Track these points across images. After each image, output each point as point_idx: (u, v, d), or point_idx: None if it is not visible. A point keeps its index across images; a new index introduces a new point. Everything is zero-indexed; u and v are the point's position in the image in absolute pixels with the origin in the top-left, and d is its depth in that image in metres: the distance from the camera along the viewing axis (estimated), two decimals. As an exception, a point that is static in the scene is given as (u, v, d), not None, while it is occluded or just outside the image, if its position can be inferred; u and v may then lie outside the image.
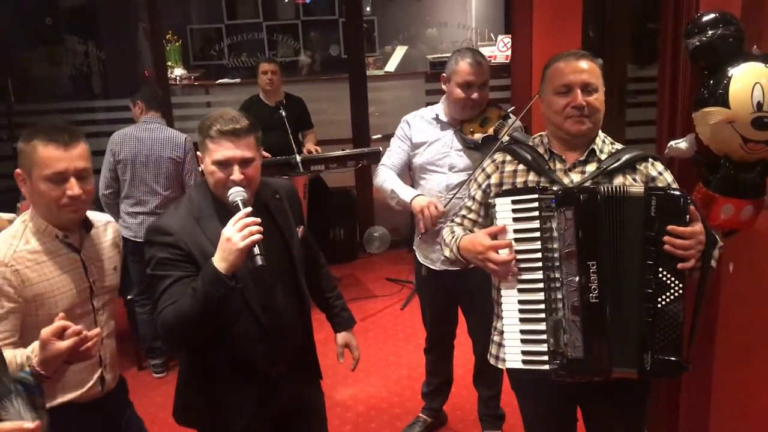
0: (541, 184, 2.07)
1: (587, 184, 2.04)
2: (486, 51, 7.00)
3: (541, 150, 2.14)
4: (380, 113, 6.39)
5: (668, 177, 2.10)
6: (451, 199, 2.86)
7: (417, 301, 3.44)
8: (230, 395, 2.13)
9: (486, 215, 2.20)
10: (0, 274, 1.88)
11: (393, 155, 3.09)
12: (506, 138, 2.77)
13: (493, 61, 6.76)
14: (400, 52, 7.20)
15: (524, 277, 2.01)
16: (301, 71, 7.75)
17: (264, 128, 4.94)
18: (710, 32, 2.30)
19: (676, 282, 1.92)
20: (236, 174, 1.99)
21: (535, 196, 1.98)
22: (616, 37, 5.98)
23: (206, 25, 8.11)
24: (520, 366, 2.03)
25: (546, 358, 1.99)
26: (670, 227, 1.89)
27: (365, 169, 5.45)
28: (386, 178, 3.03)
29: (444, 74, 2.96)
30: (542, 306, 1.99)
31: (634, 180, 2.06)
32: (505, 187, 2.13)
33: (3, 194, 4.88)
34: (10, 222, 4.05)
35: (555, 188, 2.01)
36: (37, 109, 6.40)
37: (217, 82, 7.12)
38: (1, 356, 1.57)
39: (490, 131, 2.88)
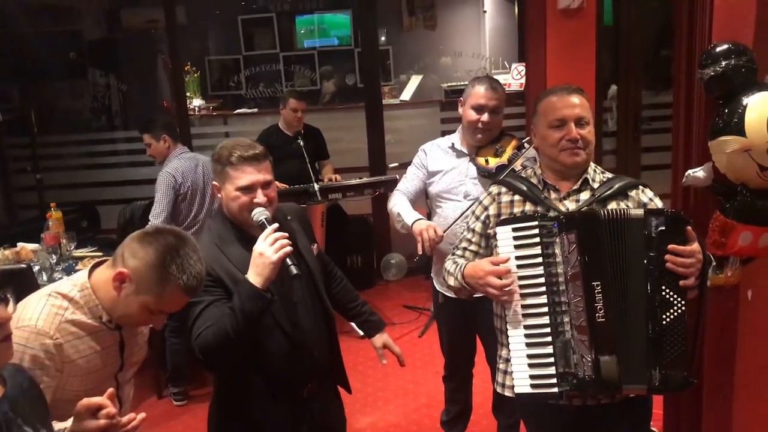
0: (539, 213, 2.14)
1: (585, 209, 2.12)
2: (500, 79, 7.06)
3: (534, 181, 2.23)
4: (396, 141, 6.46)
5: (659, 203, 2.18)
6: (451, 225, 2.89)
7: (435, 329, 3.45)
8: (265, 415, 2.18)
9: (486, 246, 2.27)
10: (43, 347, 1.74)
11: (408, 182, 3.13)
12: (519, 167, 2.80)
13: (507, 89, 6.82)
14: (415, 81, 7.28)
15: (529, 302, 2.07)
16: (323, 99, 7.83)
17: (283, 157, 5.04)
18: (724, 63, 2.34)
19: (679, 299, 1.99)
20: (260, 197, 2.10)
21: (536, 223, 2.06)
22: (630, 63, 6.04)
23: (224, 56, 8.23)
24: (529, 390, 2.06)
25: (555, 380, 2.03)
26: (671, 246, 1.96)
27: (382, 197, 5.49)
28: (396, 202, 3.07)
29: (461, 99, 3.02)
30: (548, 330, 2.05)
31: (627, 206, 2.14)
32: (503, 217, 2.20)
33: (27, 224, 4.97)
34: (34, 252, 4.15)
35: (554, 215, 2.09)
36: (59, 141, 6.53)
37: (234, 112, 7.23)
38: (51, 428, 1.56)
39: (505, 160, 2.91)
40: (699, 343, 2.10)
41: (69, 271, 4.06)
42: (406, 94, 7.16)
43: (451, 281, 2.27)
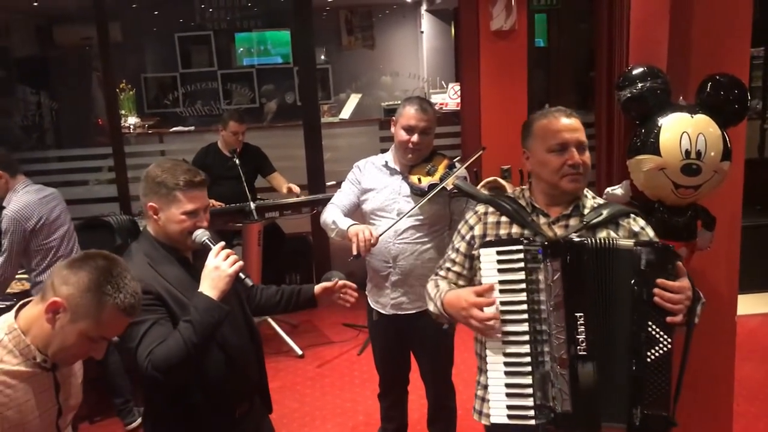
0: (525, 237, 2.06)
1: (572, 236, 2.04)
2: (437, 98, 7.20)
3: (522, 203, 2.15)
4: (335, 160, 6.48)
5: (650, 232, 2.10)
6: (387, 229, 2.92)
7: (372, 346, 3.47)
8: None
9: (470, 267, 2.19)
10: None
11: (342, 196, 3.15)
12: (450, 186, 2.86)
13: (444, 108, 6.94)
14: (354, 99, 7.35)
15: (509, 329, 1.99)
16: (266, 117, 7.81)
17: (220, 177, 4.97)
18: (640, 85, 2.45)
19: (665, 336, 1.91)
20: (204, 220, 2.15)
21: (521, 247, 1.98)
22: (562, 83, 6.22)
23: (161, 73, 8.14)
24: (506, 421, 1.99)
25: (532, 413, 1.96)
26: (659, 281, 1.90)
27: (320, 215, 5.49)
28: (330, 212, 3.09)
29: (393, 118, 3.05)
30: (528, 359, 1.97)
31: (617, 234, 2.06)
32: (488, 238, 2.13)
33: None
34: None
35: (540, 240, 2.01)
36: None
37: (171, 130, 7.14)
38: None
39: (437, 179, 2.95)
40: (682, 382, 2.02)
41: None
42: (345, 113, 7.22)
43: (431, 307, 2.21)
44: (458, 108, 6.69)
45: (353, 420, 4.09)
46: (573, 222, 2.09)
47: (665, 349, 1.91)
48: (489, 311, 1.98)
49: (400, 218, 2.92)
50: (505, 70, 5.65)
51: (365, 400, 4.29)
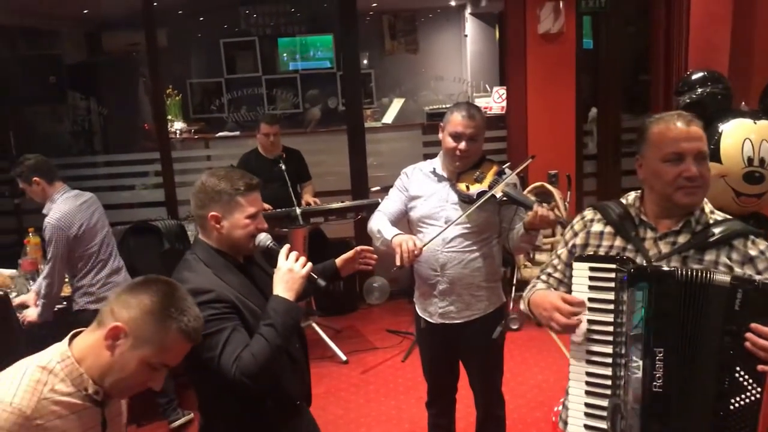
0: (626, 254, 1.96)
1: (674, 258, 1.90)
2: (481, 102, 7.14)
3: (632, 212, 2.01)
4: (378, 165, 6.47)
5: None
6: (432, 239, 2.88)
7: (418, 353, 3.43)
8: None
9: (572, 275, 2.05)
10: (20, 427, 1.55)
11: (390, 203, 3.12)
12: (499, 194, 2.81)
13: (488, 112, 6.88)
14: (397, 104, 7.32)
15: (594, 348, 1.92)
16: (309, 124, 7.83)
17: (263, 181, 5.00)
18: (699, 90, 2.38)
19: (754, 384, 1.75)
20: (263, 223, 2.19)
21: (614, 266, 1.88)
22: (610, 87, 6.10)
23: (206, 79, 8.24)
24: None
25: None
26: (753, 325, 1.73)
27: (364, 221, 5.46)
28: (376, 221, 3.06)
29: (441, 123, 3.01)
30: (608, 382, 1.90)
31: (729, 258, 1.88)
32: (588, 249, 2.05)
33: (5, 249, 4.91)
34: (12, 278, 4.10)
35: (637, 260, 1.91)
36: (39, 165, 6.46)
37: (216, 135, 7.21)
38: None
39: (485, 186, 2.90)
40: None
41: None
42: (388, 117, 7.20)
43: (521, 305, 2.19)
44: (503, 112, 6.61)
45: (399, 428, 4.06)
46: (682, 239, 1.93)
47: (753, 398, 1.75)
48: (571, 320, 1.92)
49: (447, 227, 2.88)
50: (552, 73, 5.58)
51: (410, 407, 4.25)
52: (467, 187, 2.92)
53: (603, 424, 1.90)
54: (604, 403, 1.90)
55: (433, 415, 3.40)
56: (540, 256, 5.43)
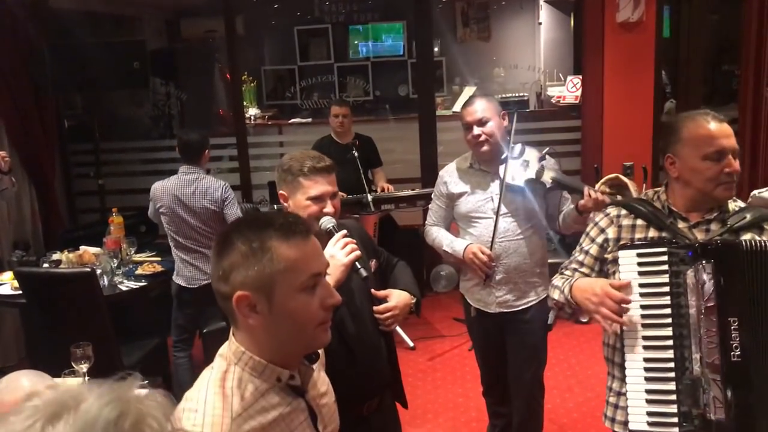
0: (667, 239, 2.01)
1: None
2: (554, 91, 7.03)
3: (658, 206, 2.09)
4: (448, 153, 6.44)
5: None
6: (492, 242, 2.93)
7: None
8: None
9: (600, 270, 2.15)
10: None
11: (434, 213, 3.20)
12: (549, 180, 2.86)
13: (562, 101, 6.77)
14: (468, 92, 7.27)
15: (651, 333, 1.94)
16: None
17: (338, 166, 5.08)
18: (793, 81, 2.30)
19: None
20: (329, 207, 2.18)
21: (665, 249, 1.93)
22: (690, 78, 5.93)
23: (280, 66, 8.36)
24: (646, 428, 1.94)
25: (676, 420, 1.90)
26: None
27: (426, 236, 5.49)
28: (436, 235, 3.15)
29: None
30: (671, 365, 1.91)
31: (764, 240, 1.95)
32: (623, 242, 2.08)
33: (89, 228, 5.12)
34: (96, 256, 4.28)
35: (687, 242, 1.95)
36: (121, 147, 6.72)
37: (289, 121, 7.32)
38: None
39: (532, 174, 2.92)
40: None
41: (129, 275, 4.18)
42: (459, 106, 7.15)
43: (556, 294, 2.17)
44: (576, 101, 6.50)
45: (465, 415, 4.08)
46: (714, 227, 2.02)
47: None
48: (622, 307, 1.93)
49: (508, 217, 2.94)
50: (631, 63, 5.44)
51: (477, 396, 4.23)
52: (513, 177, 2.94)
53: (669, 408, 1.91)
54: (667, 386, 1.91)
55: (492, 403, 3.42)
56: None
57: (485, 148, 2.95)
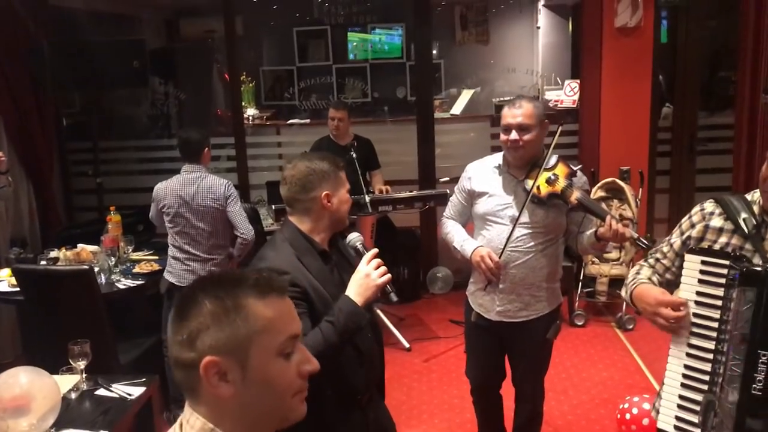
0: (743, 252, 1.94)
1: None
2: (552, 95, 7.05)
3: (756, 209, 1.98)
4: (445, 156, 6.46)
5: None
6: (503, 250, 2.85)
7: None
8: (336, 425, 2.19)
9: (680, 266, 2.08)
10: None
11: (454, 206, 3.12)
12: (574, 200, 2.78)
13: (559, 105, 6.79)
14: (466, 95, 7.29)
15: (695, 342, 1.93)
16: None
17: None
18: (790, 88, 2.32)
19: None
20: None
21: (727, 262, 1.88)
22: (687, 83, 5.96)
23: (278, 66, 8.37)
24: (671, 430, 1.98)
25: (698, 430, 1.91)
26: None
27: (430, 211, 5.51)
28: (450, 230, 3.08)
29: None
30: (707, 377, 1.91)
31: None
32: (704, 243, 2.04)
33: (87, 226, 5.12)
34: (94, 254, 4.29)
35: (754, 259, 1.89)
36: (119, 146, 6.73)
37: (288, 122, 7.34)
38: None
39: (558, 189, 2.83)
40: None
41: (126, 273, 4.19)
42: (457, 109, 7.17)
43: (623, 292, 2.21)
44: (574, 106, 6.52)
45: (460, 417, 4.09)
46: None
47: None
48: (678, 312, 1.93)
49: (510, 233, 2.84)
50: (628, 68, 5.48)
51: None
52: (539, 188, 2.84)
53: (694, 418, 1.91)
54: (699, 397, 1.90)
55: (480, 410, 3.39)
56: (608, 254, 5.36)
57: (519, 153, 2.85)
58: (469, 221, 3.12)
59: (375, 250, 2.15)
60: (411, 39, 7.73)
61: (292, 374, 1.22)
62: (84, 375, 2.81)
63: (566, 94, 6.85)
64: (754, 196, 2.00)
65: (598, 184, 5.42)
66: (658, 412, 2.08)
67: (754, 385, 1.79)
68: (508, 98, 7.27)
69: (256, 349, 1.17)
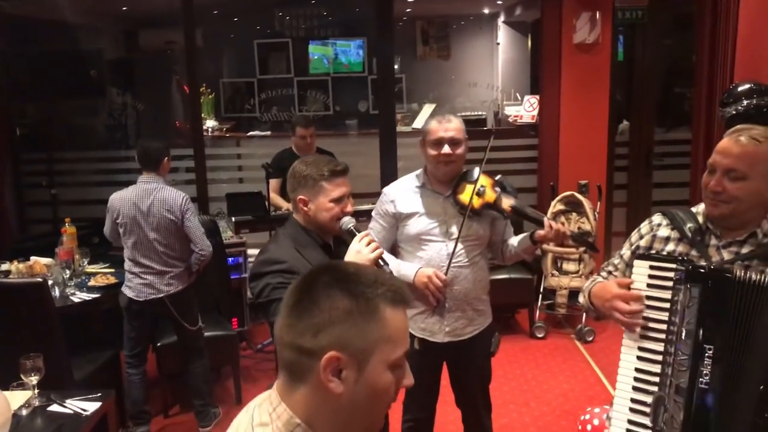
0: (689, 257, 2.00)
1: (737, 265, 1.92)
2: (512, 110, 7.15)
3: (700, 219, 2.05)
4: (407, 169, 6.44)
5: None
6: (448, 266, 2.80)
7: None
8: None
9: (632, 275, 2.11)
10: None
11: (376, 233, 2.93)
12: (507, 208, 2.79)
13: (519, 120, 6.89)
14: (428, 109, 7.35)
15: (646, 345, 1.97)
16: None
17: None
18: (745, 102, 2.37)
19: None
20: (349, 206, 2.33)
21: (674, 266, 1.93)
22: (643, 100, 6.09)
23: (238, 78, 8.32)
24: None
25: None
26: None
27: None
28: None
29: (421, 139, 2.91)
30: (657, 379, 1.94)
31: None
32: (652, 252, 2.09)
33: (40, 239, 5.00)
34: (48, 267, 4.17)
35: (701, 263, 1.93)
36: (75, 157, 6.59)
37: (248, 134, 7.28)
38: None
39: (490, 199, 2.82)
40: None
41: (82, 286, 4.09)
42: (419, 122, 7.22)
43: (581, 299, 2.25)
44: (533, 121, 6.62)
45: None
46: (746, 249, 1.97)
47: None
48: (634, 305, 1.97)
49: (454, 248, 2.79)
50: (587, 83, 5.58)
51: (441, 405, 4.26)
52: (471, 202, 2.81)
53: (646, 420, 1.93)
54: (648, 399, 1.93)
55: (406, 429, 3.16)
56: (567, 266, 5.42)
57: (450, 168, 2.83)
58: (395, 246, 3.01)
59: (367, 231, 2.24)
60: (373, 53, 7.77)
61: (394, 390, 1.20)
62: (36, 391, 2.71)
63: (525, 110, 6.95)
64: (699, 208, 2.08)
65: (557, 198, 5.48)
66: (609, 419, 2.10)
67: (701, 379, 1.84)
68: (470, 113, 7.40)
69: (377, 355, 1.15)
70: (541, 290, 5.46)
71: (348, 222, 2.30)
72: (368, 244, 2.18)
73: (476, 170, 2.87)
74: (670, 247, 2.08)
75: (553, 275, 5.44)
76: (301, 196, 2.31)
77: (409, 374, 1.23)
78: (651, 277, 1.96)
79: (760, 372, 1.79)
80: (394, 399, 1.22)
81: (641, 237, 2.17)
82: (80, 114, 7.27)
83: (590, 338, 5.22)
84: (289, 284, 2.03)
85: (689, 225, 2.04)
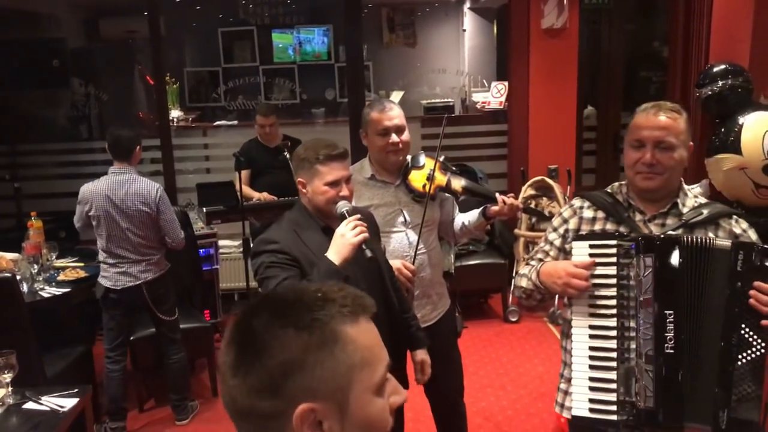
0: (620, 232, 2.04)
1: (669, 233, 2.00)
2: (479, 97, 7.16)
3: (620, 198, 2.12)
4: (377, 156, 6.45)
5: (753, 235, 2.05)
6: (415, 255, 2.79)
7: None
8: None
9: (566, 259, 2.15)
10: None
11: None
12: (459, 188, 2.82)
13: (487, 106, 6.90)
14: (396, 97, 7.32)
15: (597, 323, 1.99)
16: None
17: (266, 169, 4.97)
18: (720, 83, 2.41)
19: (759, 340, 1.86)
20: (345, 190, 2.30)
21: (614, 242, 1.97)
22: (610, 85, 6.16)
23: (203, 68, 8.20)
24: (587, 414, 1.99)
25: (615, 408, 1.95)
26: (756, 283, 1.85)
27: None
28: None
29: (361, 131, 2.91)
30: (614, 354, 1.96)
31: (716, 236, 2.01)
32: (581, 233, 2.13)
33: (5, 234, 4.87)
34: (15, 262, 4.07)
35: (634, 236, 1.97)
36: (38, 149, 6.42)
37: (214, 124, 7.18)
38: None
39: (442, 182, 2.83)
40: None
41: (50, 281, 4.00)
42: (386, 110, 7.19)
43: (523, 282, 2.22)
44: (501, 107, 6.64)
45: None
46: (670, 221, 2.05)
47: (759, 353, 1.86)
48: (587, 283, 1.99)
49: (418, 230, 2.78)
50: (555, 68, 5.62)
51: (413, 396, 4.26)
52: (423, 186, 2.80)
53: (609, 396, 1.96)
54: (609, 375, 1.97)
55: None
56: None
57: (398, 157, 2.81)
58: None
59: (357, 215, 2.23)
60: (339, 40, 7.71)
61: (388, 413, 1.01)
62: (10, 388, 2.65)
63: (493, 96, 6.96)
64: (614, 187, 2.16)
65: (528, 183, 5.52)
66: (563, 407, 2.15)
67: (666, 344, 1.90)
68: (437, 100, 7.39)
69: (356, 387, 0.95)
70: (514, 275, 5.50)
71: (342, 206, 2.28)
72: (354, 228, 2.18)
73: (422, 156, 2.89)
74: (598, 226, 2.13)
75: (525, 260, 5.49)
76: (299, 179, 2.34)
77: (399, 388, 1.04)
78: (592, 255, 2.00)
79: (719, 326, 1.88)
80: (390, 422, 1.02)
81: (565, 221, 2.21)
82: (42, 105, 7.08)
83: (561, 321, 5.27)
84: (279, 264, 2.11)
85: (611, 203, 2.10)
